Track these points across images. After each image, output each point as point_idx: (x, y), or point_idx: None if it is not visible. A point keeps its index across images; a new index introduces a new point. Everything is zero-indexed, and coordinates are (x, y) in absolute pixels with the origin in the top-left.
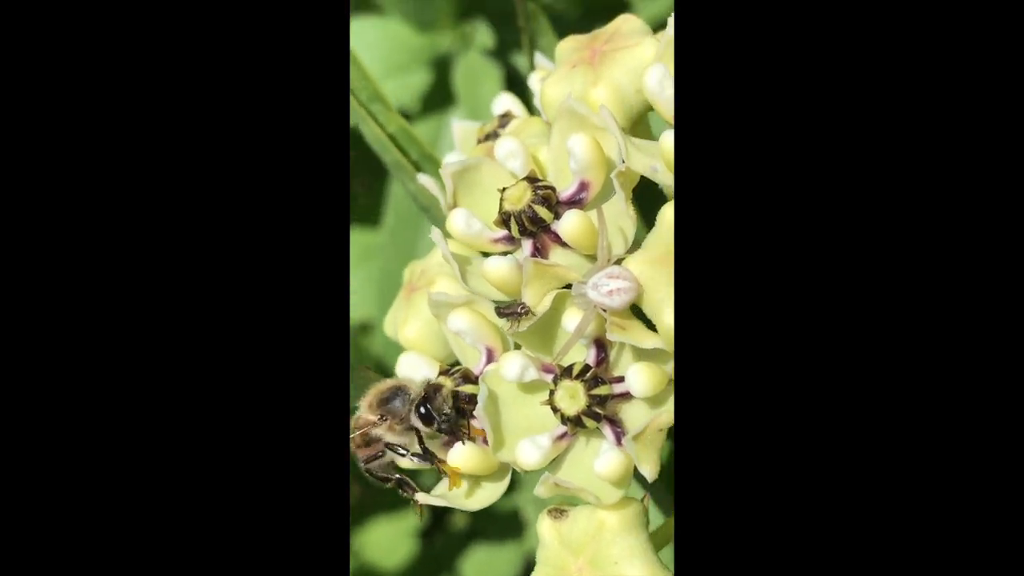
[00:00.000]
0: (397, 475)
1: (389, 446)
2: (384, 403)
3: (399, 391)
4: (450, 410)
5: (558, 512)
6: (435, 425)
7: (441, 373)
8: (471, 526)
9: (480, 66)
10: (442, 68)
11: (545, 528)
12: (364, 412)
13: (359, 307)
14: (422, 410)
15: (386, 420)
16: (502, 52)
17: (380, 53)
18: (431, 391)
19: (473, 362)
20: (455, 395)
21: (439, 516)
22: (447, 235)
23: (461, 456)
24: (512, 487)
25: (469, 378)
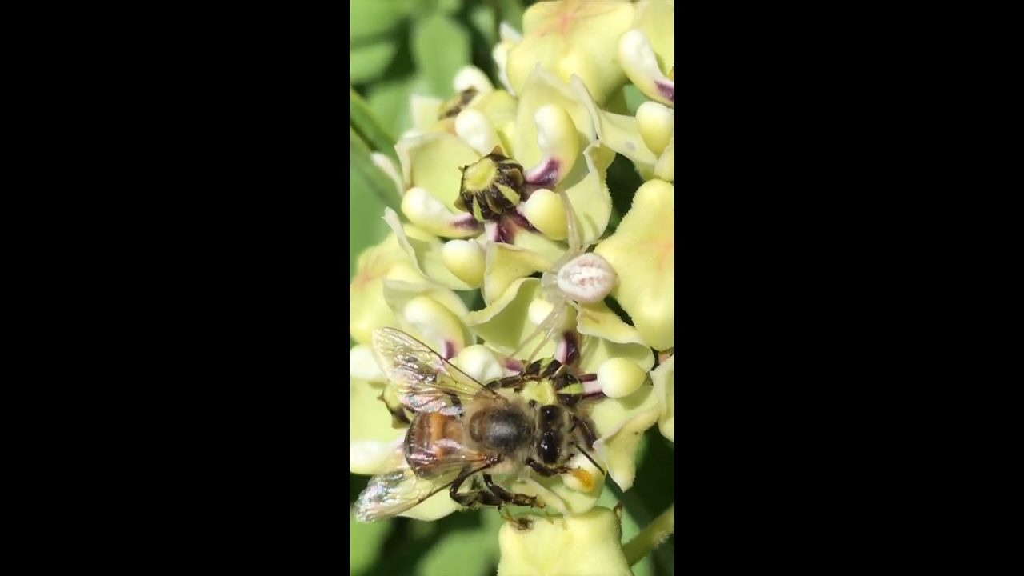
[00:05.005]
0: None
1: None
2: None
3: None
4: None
5: (522, 523)
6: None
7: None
8: (433, 531)
9: (444, 31)
10: (403, 35)
11: (508, 540)
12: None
13: None
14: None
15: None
16: (466, 15)
17: None
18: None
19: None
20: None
21: (401, 523)
22: (403, 218)
23: None
24: None
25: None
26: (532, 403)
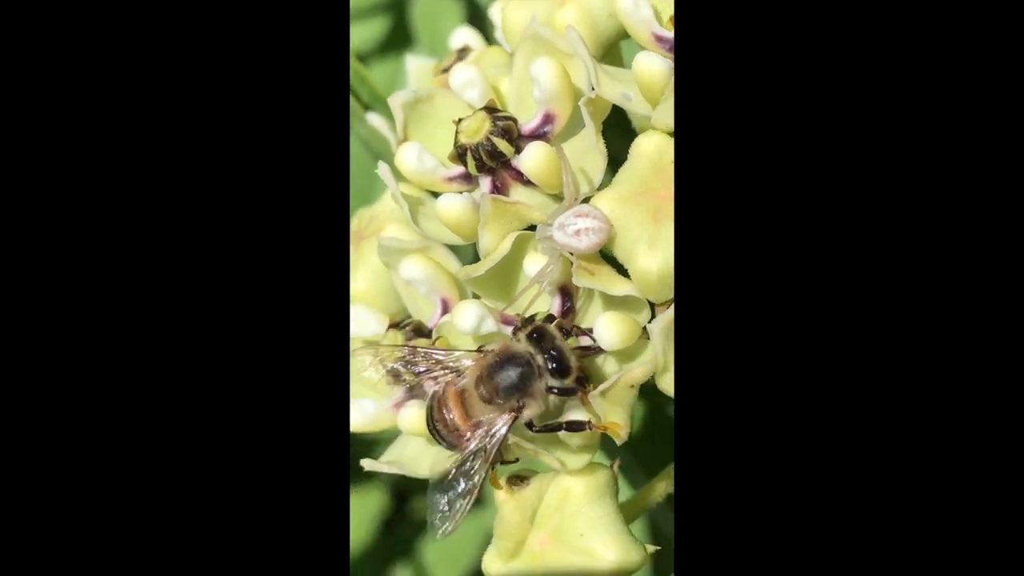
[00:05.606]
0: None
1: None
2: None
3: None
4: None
5: (517, 480)
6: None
7: (391, 326)
8: None
9: (440, 3)
10: (400, 7)
11: (503, 497)
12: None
13: None
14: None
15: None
16: None
17: None
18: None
19: (427, 314)
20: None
21: (400, 504)
22: (397, 174)
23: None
24: None
25: (421, 331)
26: (516, 335)
